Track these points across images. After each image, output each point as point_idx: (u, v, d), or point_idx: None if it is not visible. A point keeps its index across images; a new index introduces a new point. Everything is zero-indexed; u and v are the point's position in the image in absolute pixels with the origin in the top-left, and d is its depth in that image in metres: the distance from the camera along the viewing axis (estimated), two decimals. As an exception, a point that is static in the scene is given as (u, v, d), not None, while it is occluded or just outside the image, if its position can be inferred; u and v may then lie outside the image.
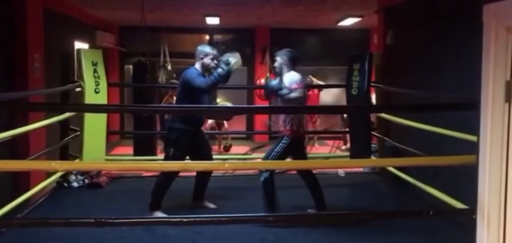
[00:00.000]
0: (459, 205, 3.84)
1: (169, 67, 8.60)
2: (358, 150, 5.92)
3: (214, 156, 5.45)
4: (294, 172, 4.71)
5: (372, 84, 6.03)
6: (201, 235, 3.98)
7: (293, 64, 4.33)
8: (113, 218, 3.20)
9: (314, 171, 6.15)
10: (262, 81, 9.42)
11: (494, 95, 2.51)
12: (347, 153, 6.95)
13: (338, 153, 8.10)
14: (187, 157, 4.49)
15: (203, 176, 4.69)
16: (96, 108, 5.07)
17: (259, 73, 10.25)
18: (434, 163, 4.19)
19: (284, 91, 4.13)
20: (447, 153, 3.80)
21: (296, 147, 4.30)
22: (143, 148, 7.17)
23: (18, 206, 4.33)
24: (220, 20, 8.59)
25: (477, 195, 2.65)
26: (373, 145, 6.32)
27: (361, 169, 6.54)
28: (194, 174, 4.79)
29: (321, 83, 9.11)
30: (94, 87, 5.74)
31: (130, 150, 7.48)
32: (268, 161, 4.29)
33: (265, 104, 7.38)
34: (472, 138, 2.84)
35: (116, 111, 9.57)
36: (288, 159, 4.38)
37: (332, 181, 5.98)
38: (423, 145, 4.74)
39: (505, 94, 2.48)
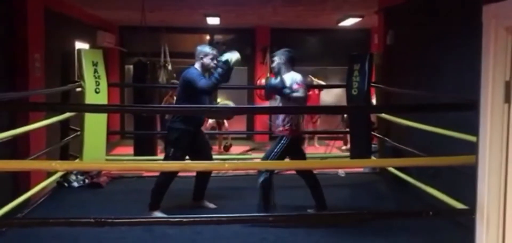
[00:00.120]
0: (459, 205, 3.84)
1: (170, 67, 8.60)
2: (358, 151, 5.92)
3: (214, 156, 5.47)
4: (294, 172, 4.70)
5: (372, 84, 6.03)
6: (201, 235, 3.99)
7: (292, 64, 4.33)
8: (113, 218, 3.20)
9: (314, 171, 6.19)
10: (263, 81, 9.41)
11: (493, 95, 2.51)
12: (348, 153, 6.95)
13: (338, 153, 8.10)
14: (187, 157, 4.49)
15: (203, 176, 4.70)
16: (96, 108, 5.08)
17: (260, 73, 10.25)
18: (434, 164, 4.19)
19: (287, 90, 4.12)
20: (447, 154, 3.80)
21: (295, 147, 4.31)
22: (144, 148, 7.17)
23: (18, 206, 4.34)
24: (221, 20, 8.59)
25: (477, 195, 2.65)
26: (373, 145, 6.33)
27: (361, 169, 6.54)
28: (194, 174, 4.80)
29: (321, 82, 9.11)
30: (95, 87, 5.75)
31: (130, 150, 7.48)
32: (269, 161, 4.29)
33: (265, 104, 7.37)
34: (472, 138, 2.84)
35: (116, 111, 9.57)
36: (287, 159, 4.38)
37: (333, 181, 5.98)
38: (423, 145, 4.75)
39: (505, 95, 2.47)
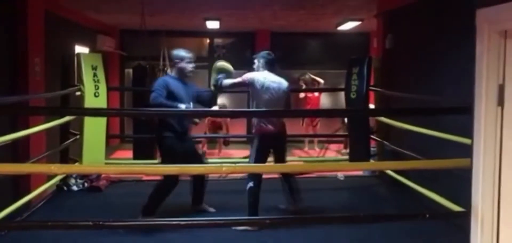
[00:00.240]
0: (457, 208, 3.85)
1: (169, 71, 8.62)
2: (358, 154, 5.95)
3: (214, 161, 5.49)
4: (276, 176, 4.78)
5: (371, 88, 6.06)
6: (200, 239, 4.00)
7: (269, 67, 4.45)
8: (111, 221, 3.23)
9: (313, 174, 6.23)
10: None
11: (487, 98, 2.53)
12: (348, 157, 6.98)
13: (336, 156, 8.13)
14: None
15: (199, 180, 4.70)
16: (96, 112, 5.10)
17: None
18: (431, 167, 4.21)
19: (213, 81, 4.46)
20: (446, 157, 3.81)
21: (270, 143, 4.38)
22: (143, 152, 7.19)
23: (18, 209, 4.36)
24: (221, 24, 8.62)
25: (471, 197, 2.67)
26: (372, 149, 6.34)
27: (360, 173, 6.55)
28: (189, 178, 4.78)
29: (320, 80, 9.12)
30: (94, 91, 5.77)
31: (130, 154, 7.51)
32: (260, 165, 4.34)
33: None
34: (469, 141, 2.86)
35: (115, 115, 9.59)
36: (271, 158, 4.52)
37: (332, 185, 6.01)
38: (422, 148, 4.76)
39: (498, 98, 2.50)
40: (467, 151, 2.76)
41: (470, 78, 2.68)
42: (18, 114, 4.90)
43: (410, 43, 5.72)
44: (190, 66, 4.41)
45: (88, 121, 5.63)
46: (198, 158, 4.66)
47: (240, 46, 10.50)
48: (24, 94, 4.98)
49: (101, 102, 5.81)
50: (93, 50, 8.15)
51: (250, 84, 4.34)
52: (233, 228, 4.11)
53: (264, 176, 4.42)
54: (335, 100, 10.15)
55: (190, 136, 4.71)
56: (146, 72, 7.22)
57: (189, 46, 5.37)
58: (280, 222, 4.12)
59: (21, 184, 4.92)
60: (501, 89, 2.49)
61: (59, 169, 4.53)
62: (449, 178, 4.18)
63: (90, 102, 5.68)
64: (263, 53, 4.55)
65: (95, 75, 5.82)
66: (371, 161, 6.07)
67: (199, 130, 7.57)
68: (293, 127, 7.96)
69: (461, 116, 3.48)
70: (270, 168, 4.81)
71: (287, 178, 4.62)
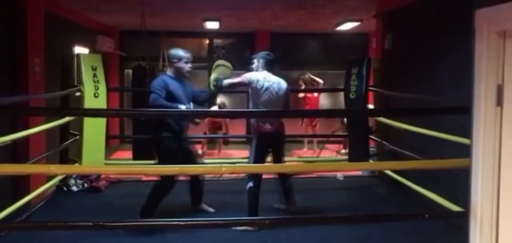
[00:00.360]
0: (456, 208, 3.85)
1: (167, 71, 8.63)
2: (357, 154, 5.96)
3: (213, 161, 5.49)
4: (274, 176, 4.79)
5: (370, 88, 6.07)
6: (200, 239, 4.01)
7: (269, 67, 4.46)
8: (111, 222, 3.23)
9: (313, 174, 6.24)
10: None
11: (486, 98, 2.53)
12: (346, 157, 6.98)
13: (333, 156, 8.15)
14: None
15: (196, 180, 4.70)
16: (95, 113, 5.11)
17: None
18: (430, 167, 4.22)
19: (213, 81, 4.47)
20: (445, 157, 3.82)
21: (269, 142, 4.39)
22: (142, 153, 7.18)
23: (18, 209, 4.37)
24: (220, 25, 8.63)
25: (470, 197, 2.67)
26: (371, 149, 6.35)
27: (360, 173, 6.56)
28: (185, 178, 4.78)
29: (320, 81, 9.13)
30: (94, 92, 5.78)
31: (129, 154, 7.51)
32: (259, 165, 4.34)
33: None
34: (468, 141, 2.87)
35: (115, 115, 9.60)
36: (270, 158, 4.54)
37: (331, 185, 6.02)
38: (421, 148, 4.77)
39: (497, 98, 2.50)
40: (466, 151, 2.76)
41: (469, 78, 2.68)
42: (17, 114, 4.91)
43: (409, 44, 5.73)
44: (187, 66, 4.41)
45: (88, 121, 5.64)
46: (194, 158, 4.67)
47: (239, 46, 10.51)
48: (24, 95, 4.99)
49: (100, 102, 5.82)
50: (93, 50, 8.16)
51: (249, 84, 4.35)
52: (233, 228, 4.12)
53: (264, 176, 4.43)
54: (334, 101, 10.16)
55: (186, 136, 4.71)
56: (146, 73, 7.23)
57: (188, 47, 5.39)
58: (279, 222, 4.13)
59: (21, 184, 4.92)
60: (500, 89, 2.50)
61: (59, 170, 4.54)
62: (448, 178, 4.19)
63: (89, 102, 5.68)
64: (263, 53, 4.57)
65: (95, 75, 5.83)
66: (370, 161, 6.08)
67: (198, 130, 7.58)
68: (293, 127, 7.97)
69: (460, 116, 3.49)
70: (269, 168, 4.82)
71: (283, 178, 4.63)
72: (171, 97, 4.21)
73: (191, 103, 4.33)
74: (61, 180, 5.60)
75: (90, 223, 3.09)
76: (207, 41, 10.74)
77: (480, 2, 2.55)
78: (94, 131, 5.71)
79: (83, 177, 5.75)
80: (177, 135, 4.37)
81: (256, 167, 4.31)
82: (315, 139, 9.18)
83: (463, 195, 2.78)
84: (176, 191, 4.56)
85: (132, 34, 8.91)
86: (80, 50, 7.45)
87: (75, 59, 6.19)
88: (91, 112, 5.23)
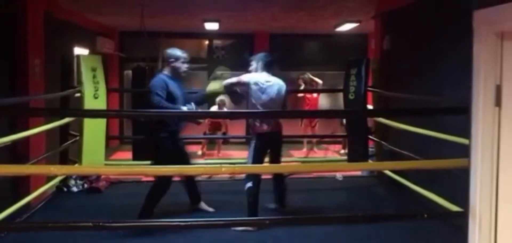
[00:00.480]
0: (455, 208, 3.86)
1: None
2: (356, 154, 5.97)
3: (213, 161, 5.50)
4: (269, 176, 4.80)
5: (369, 89, 6.09)
6: (201, 239, 4.01)
7: (267, 68, 4.47)
8: (111, 222, 3.24)
9: (313, 174, 6.25)
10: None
11: (485, 99, 2.55)
12: (346, 157, 7.00)
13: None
14: None
15: (190, 180, 4.71)
16: (95, 113, 5.12)
17: (258, 78, 10.29)
18: (429, 167, 4.23)
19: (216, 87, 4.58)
20: (444, 157, 3.84)
21: (267, 143, 4.40)
22: (142, 153, 7.18)
23: (18, 210, 4.37)
24: (220, 26, 8.64)
25: (469, 197, 2.68)
26: (370, 149, 6.37)
27: (359, 173, 6.57)
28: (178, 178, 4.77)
29: (319, 81, 9.14)
30: (93, 93, 5.79)
31: (129, 155, 7.51)
32: (260, 165, 4.35)
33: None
34: (467, 141, 2.88)
35: (115, 116, 9.60)
36: (267, 158, 4.54)
37: (330, 185, 6.04)
38: (420, 148, 4.78)
39: (495, 98, 2.52)
40: (465, 152, 2.77)
41: (468, 79, 2.70)
42: (17, 115, 4.91)
43: (408, 44, 5.75)
44: (184, 66, 4.42)
45: (88, 122, 5.65)
46: (188, 158, 4.68)
47: (239, 47, 10.52)
48: (24, 96, 4.99)
49: (100, 103, 5.83)
50: (92, 51, 8.17)
51: (248, 85, 4.36)
52: (233, 228, 4.13)
53: (262, 176, 4.44)
54: (333, 101, 10.17)
55: (181, 136, 4.72)
56: (145, 74, 7.22)
57: (188, 48, 5.40)
58: (279, 222, 4.13)
59: (21, 185, 4.93)
60: (499, 90, 2.51)
61: (59, 170, 4.55)
62: (447, 178, 4.20)
63: (89, 103, 5.69)
64: (261, 55, 4.59)
65: (94, 76, 5.83)
66: (370, 161, 6.10)
67: (198, 131, 7.58)
68: (292, 127, 7.99)
69: (459, 116, 3.51)
70: (269, 169, 4.83)
71: (278, 180, 4.64)
72: (171, 98, 4.23)
73: (192, 104, 4.35)
74: (61, 181, 5.61)
75: (90, 224, 3.09)
76: (207, 42, 10.75)
77: (478, 3, 2.56)
78: (94, 131, 5.72)
79: (83, 177, 5.75)
80: (174, 135, 4.38)
81: (256, 168, 4.32)
82: (314, 140, 9.20)
83: (462, 195, 2.79)
84: (175, 191, 4.58)
85: (131, 35, 8.93)
86: (80, 51, 7.46)
87: (75, 60, 6.19)
88: (91, 113, 5.24)
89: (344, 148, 8.55)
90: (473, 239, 2.66)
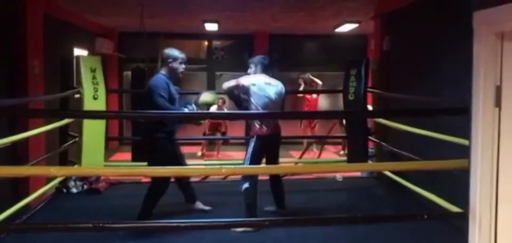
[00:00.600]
0: (455, 209, 3.86)
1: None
2: (356, 155, 5.97)
3: (213, 162, 5.50)
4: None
5: (369, 89, 6.08)
6: (200, 240, 4.01)
7: (266, 70, 4.49)
8: (111, 223, 3.23)
9: (312, 175, 6.25)
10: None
11: (484, 100, 2.55)
12: (345, 158, 7.00)
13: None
14: None
15: (182, 180, 4.70)
16: (95, 114, 5.11)
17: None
18: (429, 167, 4.23)
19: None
20: (444, 157, 3.83)
21: (266, 144, 4.39)
22: (142, 154, 7.17)
23: (17, 211, 4.36)
24: (219, 26, 8.64)
25: (469, 198, 2.68)
26: (370, 150, 6.36)
27: (359, 174, 6.57)
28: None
29: (319, 82, 9.15)
30: (93, 94, 5.77)
31: (129, 156, 7.50)
32: (258, 166, 4.35)
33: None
34: (467, 142, 2.88)
35: (114, 117, 9.61)
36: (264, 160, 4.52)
37: (330, 186, 6.03)
38: (420, 149, 4.78)
39: (495, 99, 2.52)
40: (465, 152, 2.77)
41: (468, 79, 2.70)
42: (17, 116, 4.91)
43: (408, 45, 5.75)
44: (182, 67, 4.42)
45: (87, 123, 5.64)
46: (183, 159, 4.68)
47: (238, 48, 10.53)
48: (23, 97, 4.99)
49: (100, 104, 5.82)
50: (92, 52, 8.17)
51: (247, 88, 4.36)
52: (232, 229, 4.13)
53: (260, 177, 4.44)
54: (333, 102, 10.18)
55: (177, 137, 4.72)
56: (145, 74, 7.21)
57: (188, 48, 5.40)
58: (279, 223, 4.13)
59: (20, 186, 4.93)
60: (498, 90, 2.51)
61: (58, 171, 4.54)
62: (447, 179, 4.20)
63: (89, 104, 5.68)
64: (259, 57, 4.59)
65: (94, 77, 5.82)
66: (369, 162, 6.09)
67: (197, 131, 7.59)
68: (292, 128, 7.99)
69: (459, 117, 3.51)
70: (268, 170, 4.82)
71: (275, 181, 4.63)
72: (171, 98, 4.24)
73: (193, 105, 4.35)
74: (60, 182, 5.60)
75: (90, 225, 3.09)
76: (206, 43, 10.76)
77: (478, 3, 2.56)
78: (93, 132, 5.71)
79: (82, 178, 5.74)
80: (170, 136, 4.39)
81: (256, 169, 4.32)
82: (313, 140, 9.20)
83: (462, 195, 2.79)
84: (174, 191, 4.57)
85: (131, 36, 8.93)
86: (79, 52, 7.46)
87: (75, 60, 6.19)
88: (91, 114, 5.23)
89: (344, 149, 8.55)
90: (473, 239, 2.67)
